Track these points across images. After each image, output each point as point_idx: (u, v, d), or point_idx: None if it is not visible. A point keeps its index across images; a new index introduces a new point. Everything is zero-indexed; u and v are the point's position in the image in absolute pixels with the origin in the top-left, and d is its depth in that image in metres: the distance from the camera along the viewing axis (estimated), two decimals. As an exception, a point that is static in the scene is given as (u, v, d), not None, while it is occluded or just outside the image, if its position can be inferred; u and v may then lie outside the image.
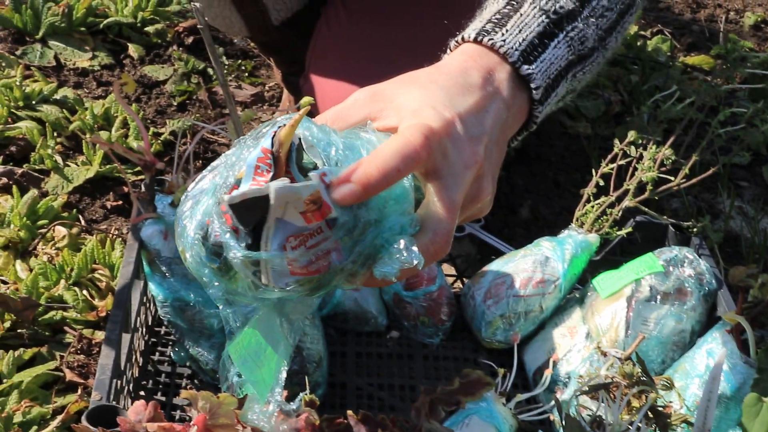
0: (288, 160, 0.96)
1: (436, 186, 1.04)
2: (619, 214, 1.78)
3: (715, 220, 2.32)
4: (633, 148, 1.79)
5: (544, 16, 1.24)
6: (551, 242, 1.77)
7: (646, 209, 1.82)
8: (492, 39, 1.19)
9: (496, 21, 1.22)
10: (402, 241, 1.01)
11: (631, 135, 1.79)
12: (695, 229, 1.83)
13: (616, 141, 1.80)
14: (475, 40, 1.21)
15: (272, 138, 0.96)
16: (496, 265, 1.80)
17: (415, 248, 1.01)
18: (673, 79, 2.78)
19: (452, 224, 1.04)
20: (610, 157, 1.80)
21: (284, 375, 1.19)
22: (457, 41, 1.24)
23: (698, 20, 3.33)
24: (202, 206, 1.00)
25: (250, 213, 0.95)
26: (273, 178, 0.94)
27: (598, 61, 1.32)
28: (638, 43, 2.99)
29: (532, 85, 1.20)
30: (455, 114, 1.08)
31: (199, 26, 1.28)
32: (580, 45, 1.27)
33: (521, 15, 1.23)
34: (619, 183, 1.79)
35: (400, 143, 0.99)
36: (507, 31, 1.21)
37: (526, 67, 1.19)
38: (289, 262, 0.96)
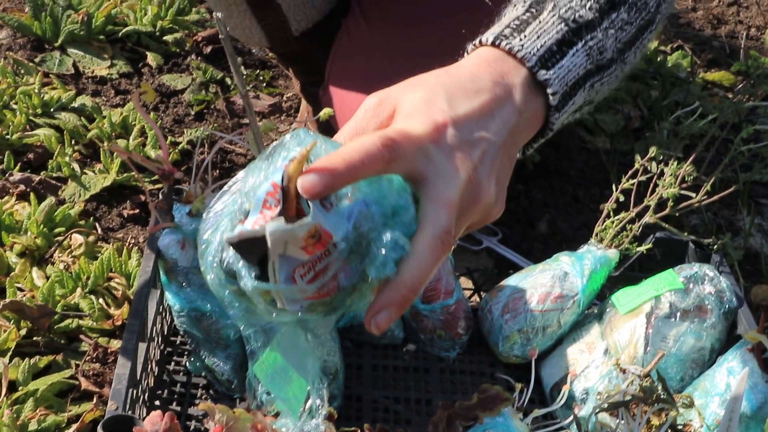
0: (298, 194, 0.96)
1: (427, 188, 1.04)
2: (639, 230, 1.77)
3: (734, 238, 2.31)
4: (654, 163, 1.78)
5: (563, 24, 1.23)
6: (570, 257, 1.76)
7: (666, 225, 1.81)
8: (510, 43, 1.19)
9: (515, 26, 1.22)
10: (388, 234, 1.00)
11: (652, 151, 1.78)
12: (715, 246, 1.81)
13: (637, 156, 1.79)
14: (493, 44, 1.20)
15: (282, 172, 0.95)
16: (514, 280, 1.79)
17: (402, 238, 1.00)
18: (693, 95, 2.77)
19: (450, 219, 1.03)
20: (630, 172, 1.79)
21: (323, 392, 1.19)
22: (474, 44, 1.24)
23: (719, 36, 3.32)
24: (220, 229, 1.01)
25: (252, 250, 0.96)
26: (281, 213, 0.94)
27: (617, 74, 1.32)
28: (658, 59, 2.98)
29: (549, 91, 1.19)
30: (449, 118, 1.08)
31: (220, 36, 1.28)
32: (599, 55, 1.26)
33: (540, 22, 1.23)
34: (638, 199, 1.78)
35: (363, 140, 1.00)
36: (525, 36, 1.20)
37: (543, 72, 1.19)
38: (300, 291, 0.96)
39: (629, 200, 1.79)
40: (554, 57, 1.20)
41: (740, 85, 2.93)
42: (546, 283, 1.73)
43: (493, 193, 1.11)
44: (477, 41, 1.23)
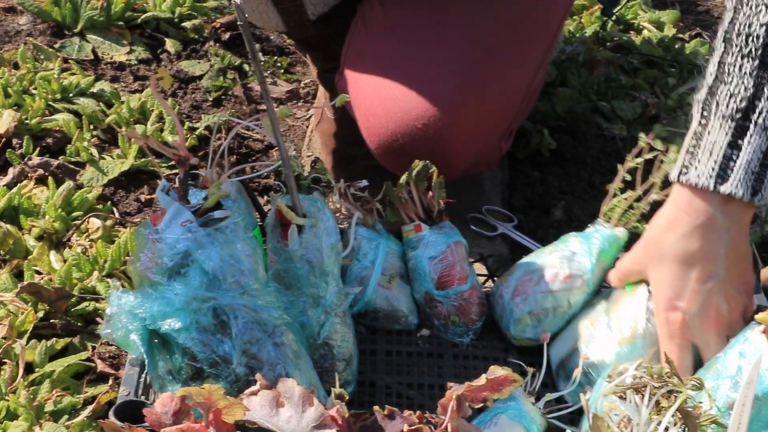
0: None
1: None
2: (647, 208, 1.75)
3: (751, 224, 2.29)
4: (659, 141, 1.76)
5: (728, 122, 1.31)
6: (578, 237, 1.76)
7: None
8: (688, 177, 1.34)
9: (691, 149, 1.36)
10: None
11: (657, 128, 1.77)
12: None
13: (642, 134, 1.77)
14: (678, 181, 1.37)
15: None
16: (523, 263, 1.79)
17: None
18: (710, 81, 2.75)
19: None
20: (635, 151, 1.77)
21: None
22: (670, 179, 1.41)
23: (738, 23, 3.30)
24: None
25: None
26: None
27: None
28: (676, 46, 2.97)
29: (738, 196, 1.30)
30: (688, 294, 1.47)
31: (239, 23, 1.28)
32: None
33: (709, 133, 1.32)
34: (645, 178, 1.77)
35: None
36: (699, 160, 1.33)
37: (727, 185, 1.30)
38: None
39: (636, 179, 1.78)
40: (730, 161, 1.30)
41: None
42: (554, 263, 1.73)
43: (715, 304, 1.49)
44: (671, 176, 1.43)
